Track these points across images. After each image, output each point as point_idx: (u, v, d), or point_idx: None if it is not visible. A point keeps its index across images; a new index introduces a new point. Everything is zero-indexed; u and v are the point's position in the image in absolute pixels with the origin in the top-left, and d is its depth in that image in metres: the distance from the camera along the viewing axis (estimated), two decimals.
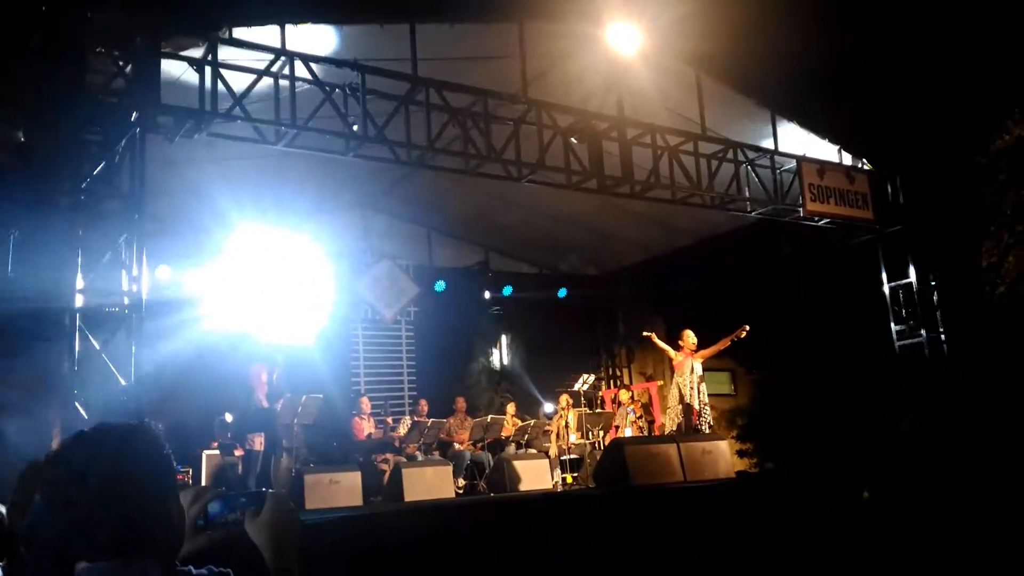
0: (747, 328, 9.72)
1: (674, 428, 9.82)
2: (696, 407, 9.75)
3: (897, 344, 11.28)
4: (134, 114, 6.87)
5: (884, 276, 11.41)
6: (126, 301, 6.59)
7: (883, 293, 11.36)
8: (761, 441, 12.55)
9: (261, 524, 1.79)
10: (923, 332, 11.05)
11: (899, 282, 11.33)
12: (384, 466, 9.64)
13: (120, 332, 6.54)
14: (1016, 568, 5.76)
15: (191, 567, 1.48)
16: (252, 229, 10.53)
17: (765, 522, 7.09)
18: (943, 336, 10.90)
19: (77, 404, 6.11)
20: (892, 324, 11.30)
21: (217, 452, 9.74)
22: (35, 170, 6.48)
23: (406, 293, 13.03)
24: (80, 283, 6.37)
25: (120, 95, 6.89)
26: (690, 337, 10.00)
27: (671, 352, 10.11)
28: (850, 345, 11.27)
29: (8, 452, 5.09)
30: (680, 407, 9.86)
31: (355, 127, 7.80)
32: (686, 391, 9.80)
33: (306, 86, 7.57)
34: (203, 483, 9.42)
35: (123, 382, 6.32)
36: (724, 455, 9.30)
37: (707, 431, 9.77)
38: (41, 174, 6.48)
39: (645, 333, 11.00)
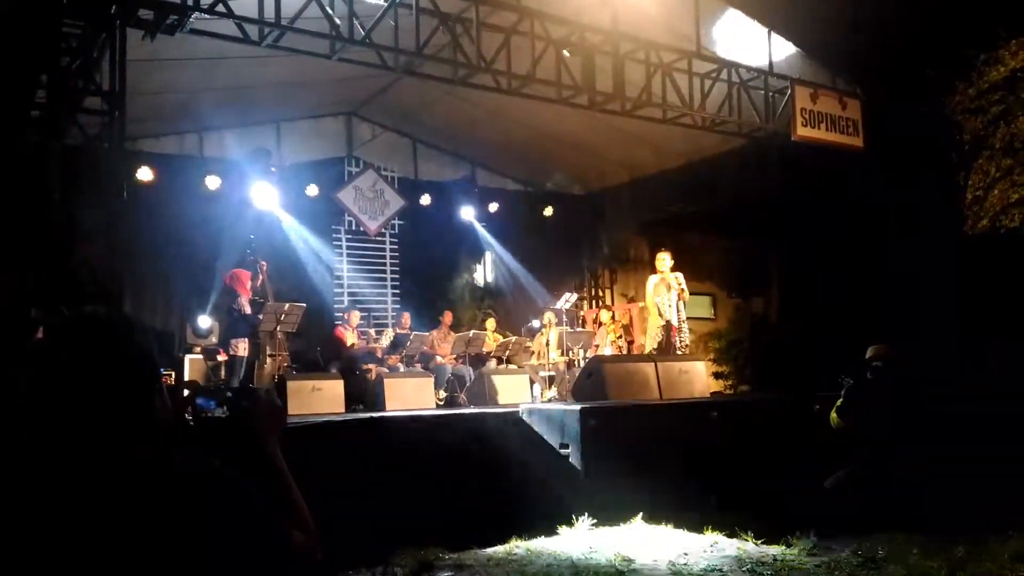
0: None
1: (655, 347, 9.91)
2: (675, 324, 9.79)
3: None
4: (114, 6, 6.62)
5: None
6: None
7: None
8: (737, 364, 12.77)
9: (249, 419, 1.80)
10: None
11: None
12: (366, 376, 9.74)
13: None
14: None
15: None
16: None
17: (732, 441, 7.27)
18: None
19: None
20: None
21: (200, 356, 9.79)
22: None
23: (391, 206, 12.91)
24: None
25: None
26: (663, 260, 9.99)
27: (670, 279, 9.91)
28: (833, 269, 11.28)
29: None
30: (660, 326, 9.91)
31: (341, 28, 7.58)
32: (664, 309, 9.82)
33: None
34: None
35: None
36: (700, 376, 9.43)
37: (683, 350, 9.86)
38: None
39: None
